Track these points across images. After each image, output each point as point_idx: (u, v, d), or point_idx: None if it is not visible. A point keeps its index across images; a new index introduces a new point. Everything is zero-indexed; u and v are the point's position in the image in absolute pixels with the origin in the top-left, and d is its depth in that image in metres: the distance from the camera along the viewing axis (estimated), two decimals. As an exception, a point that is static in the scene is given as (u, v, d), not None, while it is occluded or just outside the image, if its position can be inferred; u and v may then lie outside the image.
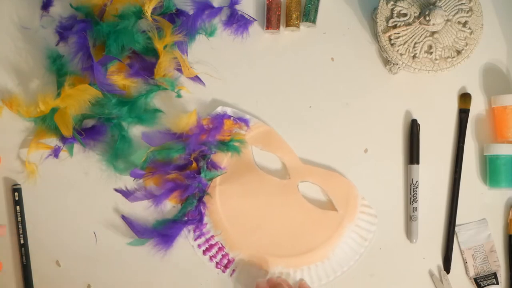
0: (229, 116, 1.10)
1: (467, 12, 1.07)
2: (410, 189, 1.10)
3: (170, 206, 1.10)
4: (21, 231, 1.08)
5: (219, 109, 1.11)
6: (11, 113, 1.10)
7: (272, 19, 1.12)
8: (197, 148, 1.08)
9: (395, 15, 1.07)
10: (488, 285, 1.09)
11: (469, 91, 1.12)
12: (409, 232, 1.10)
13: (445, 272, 1.10)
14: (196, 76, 1.11)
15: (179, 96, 1.11)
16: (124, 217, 1.09)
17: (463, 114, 1.12)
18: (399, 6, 1.07)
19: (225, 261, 1.09)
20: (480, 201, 1.11)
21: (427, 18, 1.04)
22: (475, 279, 1.09)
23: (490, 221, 1.11)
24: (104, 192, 1.10)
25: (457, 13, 1.07)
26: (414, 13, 1.07)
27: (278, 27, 1.12)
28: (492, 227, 1.11)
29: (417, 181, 1.10)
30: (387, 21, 1.07)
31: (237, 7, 1.13)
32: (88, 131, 1.09)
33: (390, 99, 1.12)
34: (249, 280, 1.09)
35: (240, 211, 1.09)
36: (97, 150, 1.10)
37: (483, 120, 1.13)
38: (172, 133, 1.09)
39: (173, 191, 1.08)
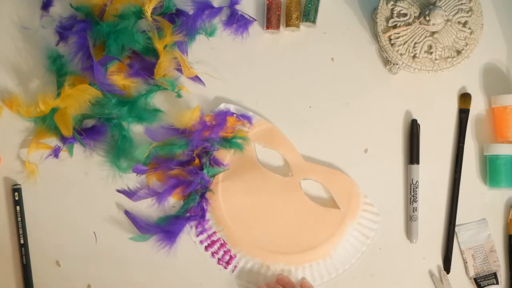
0: (232, 113, 1.10)
1: (467, 12, 1.07)
2: (410, 189, 1.10)
3: (172, 202, 1.10)
4: (21, 231, 1.08)
5: (222, 106, 1.11)
6: (11, 113, 1.10)
7: (272, 19, 1.12)
8: (200, 144, 1.08)
9: (395, 15, 1.07)
10: (488, 285, 1.09)
11: (469, 91, 1.12)
12: (409, 232, 1.10)
13: (445, 272, 1.10)
14: (196, 76, 1.11)
15: (179, 96, 1.11)
16: (127, 212, 1.09)
17: (463, 114, 1.12)
18: (399, 6, 1.07)
19: (227, 257, 1.09)
20: (480, 201, 1.11)
21: (427, 18, 1.04)
22: (475, 279, 1.09)
23: (490, 221, 1.11)
24: (104, 191, 1.10)
25: (457, 13, 1.07)
26: (414, 13, 1.07)
27: (278, 27, 1.12)
28: (492, 227, 1.11)
29: (417, 181, 1.10)
30: (387, 21, 1.07)
31: (237, 7, 1.13)
32: (88, 131, 1.10)
33: (390, 99, 1.12)
34: (250, 277, 1.09)
35: (243, 208, 1.09)
36: (98, 150, 1.10)
37: (483, 120, 1.13)
38: (175, 128, 1.09)
39: (176, 187, 1.09)
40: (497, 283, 1.09)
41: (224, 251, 1.09)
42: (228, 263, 1.09)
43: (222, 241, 1.09)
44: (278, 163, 1.12)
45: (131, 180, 1.10)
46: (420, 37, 1.06)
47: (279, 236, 1.09)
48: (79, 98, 1.07)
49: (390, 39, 1.07)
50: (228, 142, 1.09)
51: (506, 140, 1.10)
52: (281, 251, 1.09)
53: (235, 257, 1.09)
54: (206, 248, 1.09)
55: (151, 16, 1.08)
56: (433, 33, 1.06)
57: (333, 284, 1.09)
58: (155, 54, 1.09)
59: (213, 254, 1.09)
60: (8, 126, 1.11)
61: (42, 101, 1.07)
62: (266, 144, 1.11)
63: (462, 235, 1.11)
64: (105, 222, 1.09)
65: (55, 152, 1.09)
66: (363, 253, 1.10)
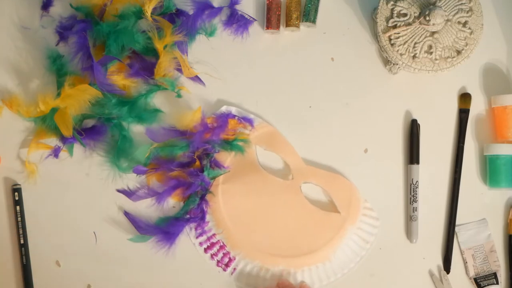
0: (234, 116, 1.10)
1: (467, 12, 1.07)
2: (410, 189, 1.10)
3: (172, 203, 1.10)
4: (21, 231, 1.08)
5: (224, 108, 1.11)
6: (11, 113, 1.10)
7: (272, 19, 1.12)
8: (201, 146, 1.08)
9: (395, 15, 1.07)
10: (488, 285, 1.09)
11: (469, 91, 1.12)
12: (409, 232, 1.10)
13: (445, 272, 1.10)
14: (196, 76, 1.11)
15: (179, 96, 1.11)
16: (126, 213, 1.09)
17: (463, 114, 1.12)
18: (399, 6, 1.07)
19: (226, 259, 1.09)
20: (480, 201, 1.11)
21: (427, 18, 1.04)
22: (475, 279, 1.09)
23: (490, 221, 1.11)
24: (104, 192, 1.10)
25: (457, 13, 1.07)
26: (414, 13, 1.07)
27: (278, 27, 1.12)
28: (492, 227, 1.11)
29: (417, 181, 1.10)
30: (387, 21, 1.07)
31: (237, 7, 1.13)
32: (88, 131, 1.10)
33: (390, 99, 1.12)
34: (249, 279, 1.09)
35: (243, 210, 1.09)
36: (98, 150, 1.10)
37: (483, 120, 1.13)
38: (176, 130, 1.09)
39: (176, 188, 1.09)
40: (497, 283, 1.09)
41: (223, 253, 1.09)
42: (227, 265, 1.09)
43: (222, 243, 1.09)
44: (278, 166, 1.12)
45: (131, 180, 1.10)
46: (420, 37, 1.06)
47: (279, 239, 1.09)
48: (79, 98, 1.07)
49: (390, 39, 1.07)
50: (229, 144, 1.09)
51: (506, 140, 1.10)
52: (280, 254, 1.09)
53: (234, 259, 1.09)
54: (206, 250, 1.09)
55: (151, 16, 1.08)
56: (433, 33, 1.06)
57: (332, 286, 1.09)
58: (155, 54, 1.09)
59: (212, 256, 1.09)
60: (8, 126, 1.11)
61: (42, 101, 1.07)
62: (267, 147, 1.11)
63: (462, 235, 1.11)
64: (105, 222, 1.09)
65: (55, 152, 1.09)
66: (362, 257, 1.10)
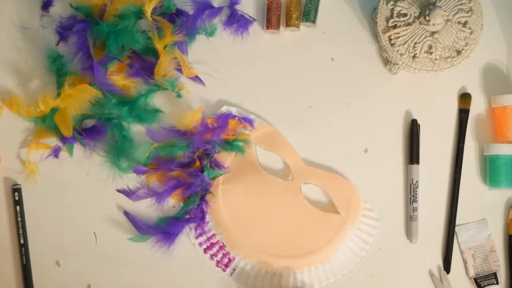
0: (234, 116, 1.10)
1: (467, 12, 1.07)
2: (410, 189, 1.10)
3: (172, 203, 1.10)
4: (21, 231, 1.08)
5: (224, 109, 1.11)
6: (11, 113, 1.10)
7: (272, 19, 1.12)
8: (201, 146, 1.08)
9: (395, 15, 1.07)
10: (488, 285, 1.09)
11: (469, 91, 1.12)
12: (409, 232, 1.10)
13: (445, 272, 1.10)
14: (196, 76, 1.11)
15: (179, 96, 1.11)
16: (126, 213, 1.09)
17: (463, 114, 1.12)
18: (399, 6, 1.07)
19: (226, 260, 1.09)
20: (480, 201, 1.11)
21: (427, 18, 1.04)
22: (475, 279, 1.09)
23: (490, 221, 1.11)
24: (104, 192, 1.10)
25: (457, 13, 1.07)
26: (414, 13, 1.07)
27: (278, 27, 1.12)
28: (492, 227, 1.11)
29: (417, 181, 1.10)
30: (387, 21, 1.07)
31: (237, 7, 1.13)
32: (88, 131, 1.10)
33: (390, 99, 1.12)
34: (249, 280, 1.09)
35: (243, 211, 1.09)
36: (98, 150, 1.10)
37: (483, 120, 1.13)
38: (176, 130, 1.09)
39: (176, 188, 1.09)
40: (497, 283, 1.09)
41: (223, 254, 1.09)
42: (227, 265, 1.09)
43: (221, 244, 1.09)
44: (278, 167, 1.12)
45: (131, 180, 1.10)
46: (420, 37, 1.06)
47: (279, 240, 1.09)
48: (79, 98, 1.07)
49: (390, 39, 1.07)
50: (229, 144, 1.09)
51: (506, 140, 1.10)
52: (280, 254, 1.09)
53: (234, 259, 1.09)
54: (205, 250, 1.09)
55: (151, 16, 1.08)
56: (433, 33, 1.06)
57: (332, 286, 1.09)
58: (155, 54, 1.09)
59: (212, 256, 1.09)
60: (8, 126, 1.11)
61: (42, 101, 1.07)
62: (267, 147, 1.11)
63: (462, 235, 1.11)
64: (105, 222, 1.09)
65: (55, 152, 1.10)
66: (362, 258, 1.10)
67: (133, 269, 1.09)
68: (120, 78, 1.10)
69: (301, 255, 1.09)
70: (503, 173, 1.09)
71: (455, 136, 1.12)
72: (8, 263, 1.09)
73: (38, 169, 1.10)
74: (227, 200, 1.09)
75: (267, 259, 1.09)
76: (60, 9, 1.13)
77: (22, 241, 1.08)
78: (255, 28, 1.13)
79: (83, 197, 1.10)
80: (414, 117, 1.12)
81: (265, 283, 1.08)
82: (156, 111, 1.11)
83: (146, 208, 1.10)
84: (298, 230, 1.09)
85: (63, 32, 1.11)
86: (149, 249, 1.09)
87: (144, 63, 1.10)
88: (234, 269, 1.09)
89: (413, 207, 1.10)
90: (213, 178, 1.09)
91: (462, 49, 1.06)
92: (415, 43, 1.06)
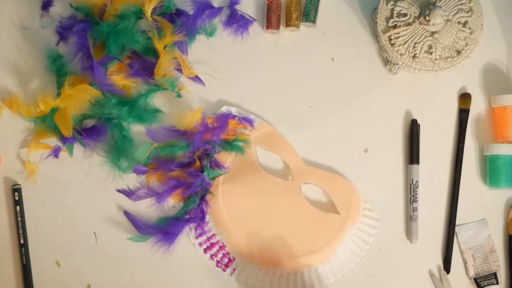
0: (234, 116, 1.10)
1: (467, 12, 1.07)
2: (410, 189, 1.10)
3: (172, 203, 1.10)
4: (21, 231, 1.08)
5: (224, 109, 1.11)
6: (11, 113, 1.10)
7: (272, 19, 1.12)
8: (201, 146, 1.08)
9: (395, 15, 1.07)
10: (488, 285, 1.09)
11: (469, 91, 1.12)
12: (409, 232, 1.10)
13: (445, 272, 1.10)
14: (196, 76, 1.11)
15: (179, 96, 1.11)
16: (126, 213, 1.09)
17: (463, 114, 1.12)
18: (399, 6, 1.07)
19: (226, 260, 1.09)
20: (480, 201, 1.11)
21: (427, 18, 1.04)
22: (475, 279, 1.09)
23: (490, 221, 1.11)
24: (104, 192, 1.10)
25: (457, 13, 1.07)
26: (414, 13, 1.07)
27: (278, 27, 1.12)
28: (492, 227, 1.11)
29: (417, 181, 1.10)
30: (387, 21, 1.07)
31: (237, 7, 1.13)
32: (88, 131, 1.10)
33: (390, 99, 1.12)
34: (249, 280, 1.09)
35: (242, 211, 1.09)
36: (98, 150, 1.10)
37: (483, 120, 1.13)
38: (176, 130, 1.09)
39: (176, 188, 1.09)
40: (497, 283, 1.09)
41: (223, 254, 1.09)
42: (226, 265, 1.09)
43: (221, 244, 1.09)
44: (278, 167, 1.12)
45: (131, 180, 1.10)
46: (420, 37, 1.06)
47: (279, 240, 1.09)
48: (79, 98, 1.07)
49: (390, 39, 1.07)
50: (229, 144, 1.09)
51: (506, 140, 1.10)
52: (280, 254, 1.09)
53: (234, 259, 1.09)
54: (205, 250, 1.09)
55: (151, 16, 1.08)
56: (433, 33, 1.06)
57: (332, 286, 1.09)
58: (155, 54, 1.09)
59: (212, 256, 1.09)
60: (8, 126, 1.11)
61: (42, 101, 1.07)
62: (267, 147, 1.11)
63: (462, 235, 1.11)
64: (105, 222, 1.09)
65: (55, 152, 1.10)
66: (362, 258, 1.10)
67: (133, 269, 1.09)
68: (120, 78, 1.10)
69: (301, 255, 1.09)
70: (503, 173, 1.09)
71: (455, 136, 1.12)
72: (8, 263, 1.09)
73: (38, 169, 1.10)
74: (227, 200, 1.09)
75: (267, 259, 1.09)
76: (60, 9, 1.13)
77: (22, 241, 1.08)
78: (255, 28, 1.13)
79: (83, 197, 1.10)
80: (414, 117, 1.12)
81: (265, 283, 1.08)
82: (156, 111, 1.11)
83: (146, 208, 1.10)
84: (298, 230, 1.09)
85: (63, 32, 1.11)
86: (149, 249, 1.09)
87: (144, 63, 1.10)
88: (234, 269, 1.09)
89: (413, 207, 1.10)
90: (213, 178, 1.09)
91: (462, 49, 1.06)
92: (415, 43, 1.06)
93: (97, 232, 1.09)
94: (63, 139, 1.09)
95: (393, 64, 1.10)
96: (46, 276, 1.09)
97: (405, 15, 1.07)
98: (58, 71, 1.10)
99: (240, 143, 1.10)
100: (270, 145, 1.11)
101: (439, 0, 1.07)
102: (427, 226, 1.10)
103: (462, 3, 1.07)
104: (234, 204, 1.09)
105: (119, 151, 1.09)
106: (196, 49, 1.12)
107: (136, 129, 1.11)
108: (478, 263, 1.10)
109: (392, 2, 1.07)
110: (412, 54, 1.06)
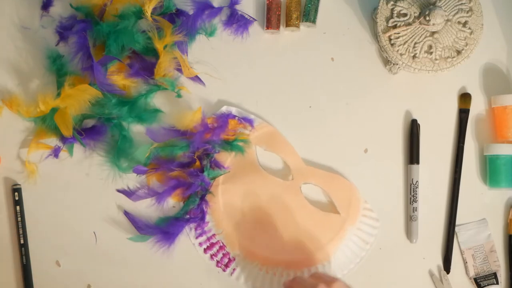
0: (234, 116, 1.10)
1: (467, 12, 1.07)
2: (410, 189, 1.10)
3: (172, 203, 1.10)
4: (21, 231, 1.08)
5: (224, 109, 1.11)
6: (11, 113, 1.10)
7: (272, 19, 1.12)
8: (201, 146, 1.08)
9: (395, 15, 1.07)
10: (488, 285, 1.09)
11: (469, 91, 1.12)
12: (409, 232, 1.10)
13: (445, 272, 1.10)
14: (196, 76, 1.11)
15: (179, 96, 1.11)
16: (126, 213, 1.09)
17: (463, 114, 1.12)
18: (399, 6, 1.07)
19: (226, 260, 1.09)
20: (480, 201, 1.11)
21: (427, 18, 1.04)
22: (475, 279, 1.09)
23: (490, 221, 1.11)
24: (104, 192, 1.10)
25: (457, 13, 1.07)
26: (414, 13, 1.07)
27: (278, 27, 1.12)
28: (492, 227, 1.11)
29: (417, 181, 1.10)
30: (387, 21, 1.07)
31: (237, 7, 1.13)
32: (88, 131, 1.10)
33: (390, 99, 1.12)
34: (249, 280, 1.09)
35: (243, 211, 1.09)
36: (98, 150, 1.10)
37: (483, 120, 1.13)
38: (176, 130, 1.09)
39: (176, 188, 1.09)
40: (497, 283, 1.09)
41: (223, 254, 1.09)
42: (227, 265, 1.09)
43: (221, 244, 1.09)
44: (278, 167, 1.12)
45: (131, 180, 1.10)
46: (420, 37, 1.06)
47: (279, 240, 1.09)
48: (79, 98, 1.07)
49: (390, 39, 1.07)
50: (229, 144, 1.09)
51: (506, 140, 1.10)
52: (280, 254, 1.09)
53: (234, 260, 1.09)
54: (205, 250, 1.09)
55: (151, 16, 1.08)
56: (433, 33, 1.06)
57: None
58: (155, 54, 1.09)
59: (212, 256, 1.09)
60: (8, 126, 1.11)
61: (42, 101, 1.07)
62: (267, 147, 1.11)
63: (462, 235, 1.11)
64: (105, 222, 1.09)
65: (55, 152, 1.10)
66: (362, 258, 1.10)
67: (133, 269, 1.09)
68: (120, 78, 1.10)
69: (301, 255, 1.09)
70: (503, 173, 1.09)
71: (455, 136, 1.12)
72: (8, 263, 1.09)
73: (38, 169, 1.10)
74: (227, 200, 1.09)
75: (267, 259, 1.09)
76: (60, 9, 1.13)
77: (22, 241, 1.08)
78: (255, 28, 1.13)
79: (83, 197, 1.10)
80: (414, 117, 1.12)
81: (265, 283, 1.08)
82: (156, 111, 1.11)
83: (146, 208, 1.10)
84: (298, 230, 1.09)
85: (63, 32, 1.11)
86: (149, 249, 1.09)
87: (144, 63, 1.10)
88: (234, 269, 1.09)
89: (413, 207, 1.10)
90: (213, 178, 1.09)
91: (462, 49, 1.06)
92: (415, 43, 1.06)
93: (97, 232, 1.09)
94: (63, 139, 1.09)
95: (393, 64, 1.10)
96: (46, 276, 1.09)
97: (405, 15, 1.07)
98: (58, 71, 1.10)
99: (240, 143, 1.10)
100: (270, 145, 1.11)
101: (439, 0, 1.07)
102: (427, 226, 1.10)
103: (462, 3, 1.07)
104: (234, 204, 1.09)
105: (119, 151, 1.09)
106: (196, 49, 1.12)
107: (136, 129, 1.11)
108: (478, 263, 1.10)
109: (392, 2, 1.07)
110: (412, 54, 1.06)
